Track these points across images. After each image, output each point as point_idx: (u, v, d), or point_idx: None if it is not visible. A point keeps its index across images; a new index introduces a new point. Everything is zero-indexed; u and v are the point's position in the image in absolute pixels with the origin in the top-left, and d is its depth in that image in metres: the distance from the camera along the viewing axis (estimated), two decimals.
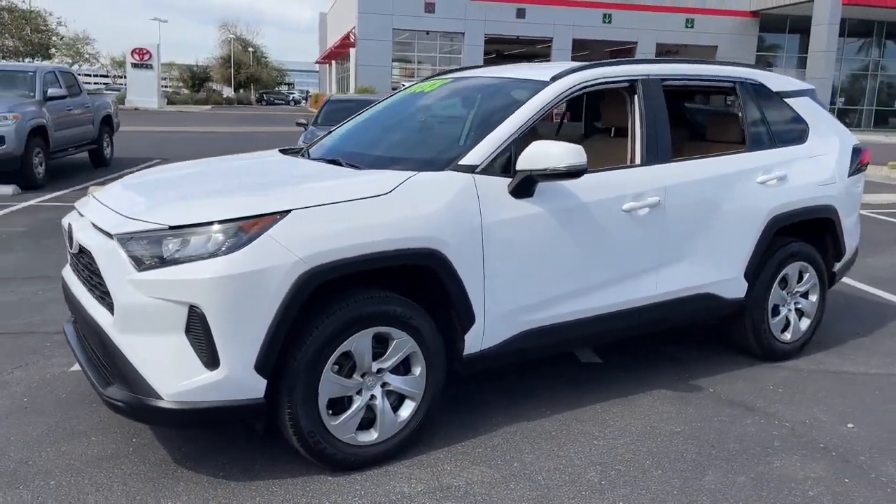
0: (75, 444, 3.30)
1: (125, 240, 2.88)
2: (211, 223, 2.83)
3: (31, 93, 12.02)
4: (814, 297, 4.70)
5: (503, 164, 3.41)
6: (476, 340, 3.36)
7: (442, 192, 3.22)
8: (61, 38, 45.61)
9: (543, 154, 3.29)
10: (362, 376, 3.10)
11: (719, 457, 3.36)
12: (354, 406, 3.09)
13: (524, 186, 3.38)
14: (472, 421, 3.64)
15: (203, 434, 3.39)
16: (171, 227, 2.84)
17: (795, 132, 4.64)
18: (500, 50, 46.14)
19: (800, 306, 4.66)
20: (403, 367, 3.22)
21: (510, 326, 3.45)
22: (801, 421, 3.77)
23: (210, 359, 2.76)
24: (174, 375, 2.78)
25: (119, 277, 2.84)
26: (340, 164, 3.65)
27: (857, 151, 4.90)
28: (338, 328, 2.95)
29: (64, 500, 2.85)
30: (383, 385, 3.17)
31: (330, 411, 3.03)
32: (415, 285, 3.25)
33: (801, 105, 4.70)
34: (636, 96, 3.98)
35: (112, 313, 2.88)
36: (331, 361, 2.97)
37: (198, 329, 2.75)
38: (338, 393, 3.03)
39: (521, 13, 40.14)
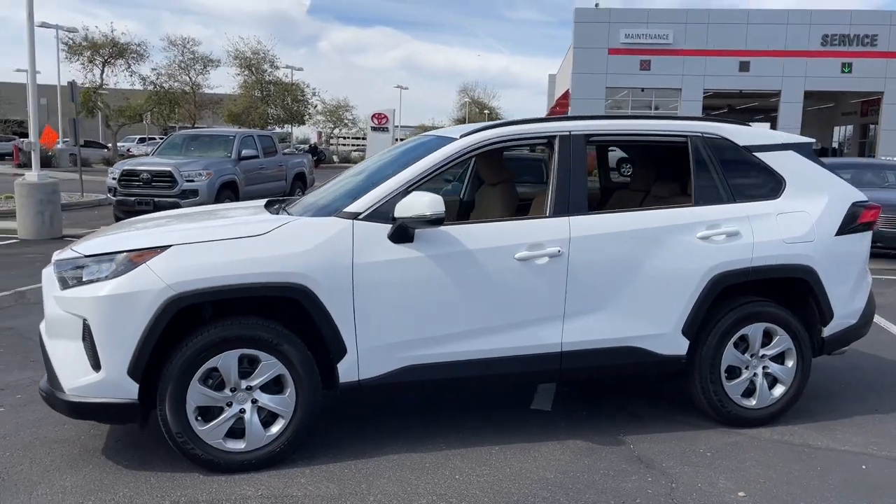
0: (49, 427, 4.15)
1: (58, 264, 3.69)
2: (111, 253, 3.56)
3: (229, 153, 14.12)
4: (790, 363, 4.39)
5: (388, 212, 3.78)
6: (351, 370, 3.73)
7: (315, 235, 3.69)
8: (315, 107, 51.45)
9: (415, 203, 3.64)
10: (232, 391, 3.61)
11: (562, 500, 3.39)
12: (222, 416, 3.61)
13: (401, 232, 3.73)
14: (361, 445, 3.98)
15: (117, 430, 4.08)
16: (86, 256, 3.61)
17: (765, 187, 4.44)
18: (727, 104, 44.40)
19: (770, 371, 4.38)
20: (276, 387, 3.68)
21: (389, 361, 3.77)
22: (691, 484, 3.62)
23: (95, 363, 3.45)
24: (72, 374, 3.50)
25: (49, 293, 3.65)
26: (288, 214, 4.20)
27: (856, 208, 4.53)
28: (204, 346, 3.51)
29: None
30: (254, 401, 3.65)
31: (199, 417, 3.58)
32: (294, 316, 3.71)
33: (777, 159, 4.49)
34: (553, 152, 4.14)
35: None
36: (198, 374, 3.53)
37: (88, 338, 3.46)
38: (205, 402, 3.57)
39: (744, 66, 38.50)
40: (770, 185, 4.45)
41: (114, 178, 13.11)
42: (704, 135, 4.41)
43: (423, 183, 3.93)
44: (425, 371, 3.84)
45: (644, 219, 4.17)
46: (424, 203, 3.64)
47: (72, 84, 18.33)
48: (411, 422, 4.35)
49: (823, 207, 4.46)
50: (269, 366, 3.62)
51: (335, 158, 53.50)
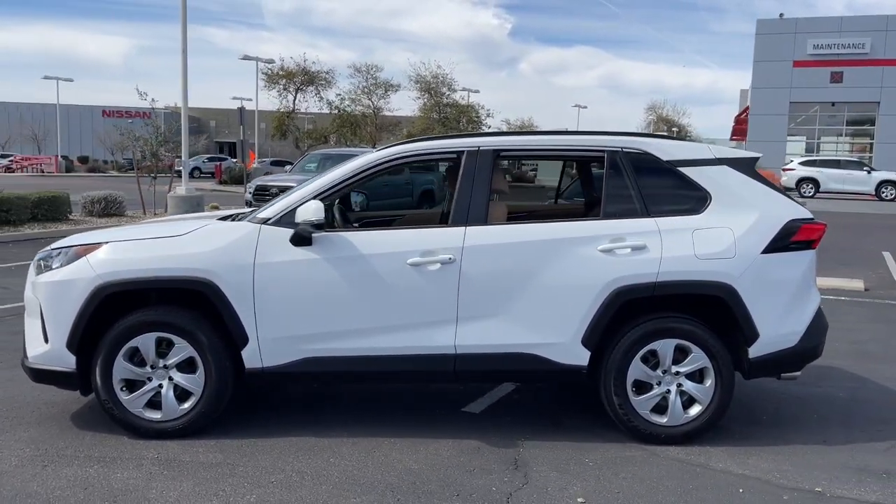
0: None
1: (39, 255, 4.53)
2: (67, 247, 4.34)
3: None
4: (707, 382, 4.28)
5: (293, 218, 4.25)
6: (254, 358, 4.23)
7: (225, 237, 4.24)
8: (489, 127, 52.77)
9: (306, 210, 4.09)
10: (152, 368, 4.24)
11: (403, 489, 3.65)
12: (143, 389, 4.24)
13: (299, 236, 4.18)
14: (271, 427, 4.45)
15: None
16: (53, 249, 4.42)
17: (685, 202, 4.38)
18: None
19: (685, 389, 4.30)
20: (189, 368, 4.26)
21: (290, 352, 4.23)
22: (541, 487, 3.72)
23: (45, 337, 4.23)
24: (32, 345, 4.31)
25: (28, 279, 4.50)
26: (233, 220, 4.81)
27: (793, 224, 4.33)
28: (127, 327, 4.18)
29: None
30: (170, 379, 4.26)
31: (124, 388, 4.24)
32: (207, 307, 4.28)
33: (704, 175, 4.40)
34: (459, 166, 4.40)
35: None
36: (122, 351, 4.19)
37: (41, 315, 4.25)
38: (129, 376, 4.23)
39: None
40: (692, 200, 4.39)
41: (250, 193, 14.62)
42: (625, 149, 4.44)
43: (331, 193, 4.36)
44: (325, 363, 4.24)
45: (542, 231, 4.30)
46: (310, 210, 4.08)
47: (240, 110, 20.57)
48: (335, 410, 4.76)
49: (751, 224, 4.31)
50: (182, 348, 4.21)
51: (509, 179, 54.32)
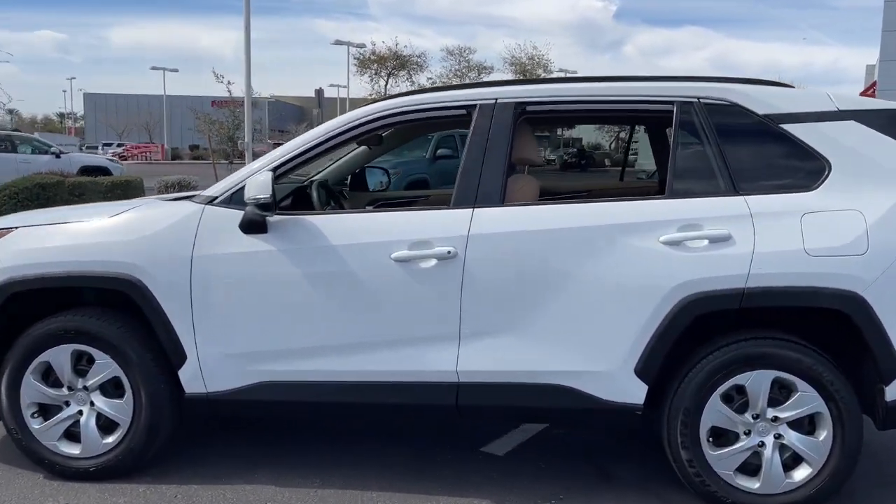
0: None
1: None
2: None
3: (425, 153, 14.20)
4: (822, 433, 2.96)
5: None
6: (195, 381, 3.21)
7: (156, 221, 3.24)
8: None
9: (253, 185, 3.03)
10: (70, 389, 3.29)
11: None
12: (59, 416, 3.30)
13: (249, 220, 3.12)
14: (216, 466, 3.42)
15: None
16: None
17: (791, 174, 3.04)
18: None
19: (786, 442, 2.99)
20: (117, 391, 3.28)
21: (241, 374, 3.19)
22: None
23: None
24: None
25: None
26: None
27: None
28: (37, 337, 3.24)
29: None
30: (91, 404, 3.30)
31: (35, 414, 3.31)
32: (139, 313, 3.29)
33: (821, 134, 3.05)
34: (470, 126, 3.22)
35: None
36: (31, 367, 3.26)
37: None
38: (40, 399, 3.30)
39: None
40: (802, 171, 3.05)
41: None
42: (703, 99, 3.14)
43: (290, 163, 3.27)
44: (285, 390, 3.18)
45: (580, 214, 3.07)
46: (256, 185, 3.01)
47: (318, 91, 19.90)
48: (306, 447, 3.69)
49: (891, 206, 2.94)
50: (104, 366, 3.24)
51: (607, 162, 51.98)
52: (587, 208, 3.11)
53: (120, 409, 3.27)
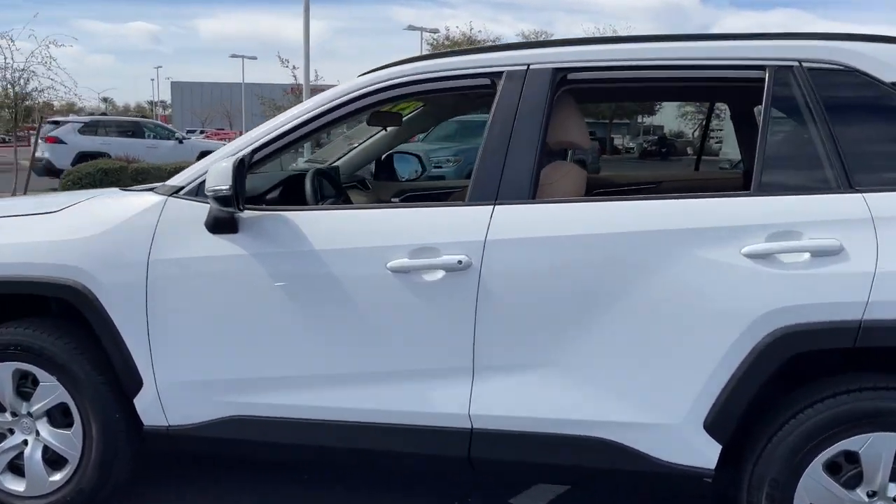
0: None
1: None
2: None
3: None
4: None
5: None
6: (154, 411, 2.63)
7: (109, 216, 2.66)
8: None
9: (213, 175, 2.39)
10: (14, 415, 2.76)
11: None
12: (1, 445, 2.77)
13: (215, 216, 2.51)
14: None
15: None
16: None
17: None
18: None
19: None
20: (64, 420, 2.73)
21: (206, 406, 2.59)
22: None
23: None
24: None
25: None
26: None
27: None
28: None
29: None
30: (37, 433, 2.76)
31: None
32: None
33: None
34: (493, 101, 2.51)
35: None
36: None
37: None
38: None
39: None
40: None
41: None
42: (805, 64, 2.34)
43: (279, 146, 2.62)
44: (259, 428, 2.56)
45: (636, 214, 2.32)
46: (214, 174, 2.37)
47: None
48: (289, 493, 3.06)
49: None
50: (49, 389, 2.69)
51: (689, 150, 49.84)
52: (647, 208, 2.35)
53: (67, 441, 2.71)
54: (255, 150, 2.59)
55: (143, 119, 24.38)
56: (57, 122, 18.59)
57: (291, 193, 3.07)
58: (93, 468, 2.69)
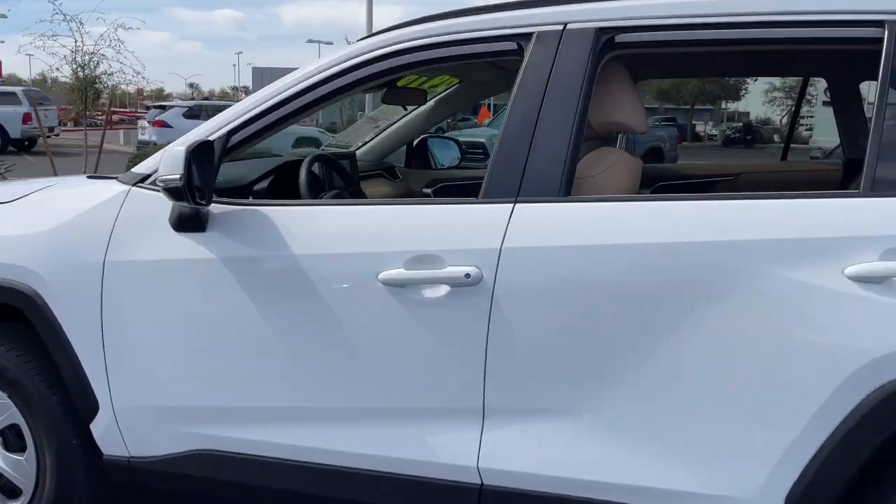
0: None
1: None
2: None
3: None
4: None
5: None
6: (113, 440, 2.23)
7: (61, 209, 2.26)
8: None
9: (165, 160, 1.94)
10: None
11: None
12: None
13: (180, 216, 2.07)
14: None
15: None
16: None
17: None
18: None
19: None
20: (17, 443, 2.36)
21: (170, 436, 2.17)
22: None
23: None
24: None
25: None
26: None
27: None
28: None
29: None
30: None
31: None
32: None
33: None
34: (519, 69, 1.98)
35: None
36: None
37: None
38: None
39: None
40: None
41: None
42: None
43: (259, 126, 2.15)
44: (229, 466, 2.13)
45: (703, 220, 1.75)
46: (167, 160, 1.92)
47: None
48: None
49: None
50: (0, 408, 2.32)
51: (776, 138, 47.43)
52: (717, 210, 1.77)
53: (20, 468, 2.34)
54: (231, 132, 2.14)
55: None
56: (163, 107, 19.11)
57: (288, 184, 2.61)
58: (49, 502, 2.31)
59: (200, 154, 1.92)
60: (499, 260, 1.82)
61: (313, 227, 2.00)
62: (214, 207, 2.07)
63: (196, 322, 2.08)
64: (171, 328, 2.10)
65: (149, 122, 16.85)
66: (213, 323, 2.06)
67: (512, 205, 1.86)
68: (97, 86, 13.58)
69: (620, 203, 1.87)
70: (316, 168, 2.62)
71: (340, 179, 2.70)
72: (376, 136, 3.46)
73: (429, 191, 3.40)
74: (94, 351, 2.16)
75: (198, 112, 19.18)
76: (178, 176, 1.86)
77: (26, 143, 19.72)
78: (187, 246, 2.07)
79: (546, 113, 1.89)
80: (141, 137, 16.79)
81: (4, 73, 30.10)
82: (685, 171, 3.46)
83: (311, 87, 2.10)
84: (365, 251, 1.92)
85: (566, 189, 1.86)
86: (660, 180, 3.17)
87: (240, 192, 2.41)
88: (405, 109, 3.26)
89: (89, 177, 2.63)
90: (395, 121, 3.46)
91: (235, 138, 2.15)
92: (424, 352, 1.89)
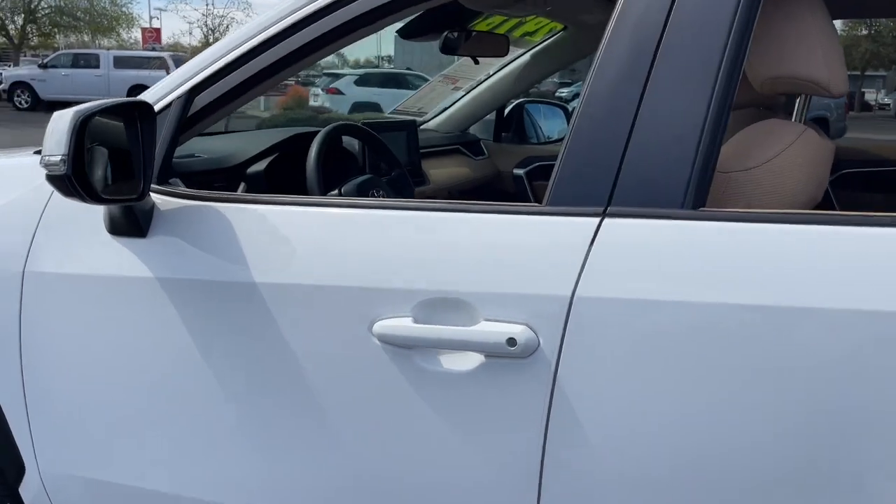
0: None
1: None
2: None
3: None
4: None
5: None
6: None
7: None
8: None
9: (47, 136, 1.28)
10: None
11: None
12: None
13: (113, 219, 1.41)
14: None
15: None
16: None
17: None
18: None
19: None
20: None
21: None
22: None
23: None
24: None
25: None
26: None
27: None
28: None
29: None
30: None
31: None
32: None
33: None
34: (611, 16, 1.15)
35: None
36: None
37: None
38: None
39: None
40: None
41: None
42: None
43: (233, 82, 1.44)
44: None
45: None
46: (49, 133, 1.24)
47: None
48: None
49: None
50: None
51: None
52: None
53: None
54: (195, 90, 1.45)
55: (406, 71, 24.97)
56: (336, 75, 19.59)
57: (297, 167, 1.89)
58: None
59: (84, 125, 1.22)
60: (568, 317, 1.03)
61: (287, 239, 1.29)
62: (162, 202, 1.40)
63: (126, 371, 1.43)
64: (99, 374, 1.47)
65: (322, 89, 17.42)
66: (151, 361, 1.41)
67: (598, 219, 1.05)
68: None
69: (803, 224, 1.02)
70: (350, 144, 1.90)
71: (384, 159, 1.96)
72: (456, 100, 2.70)
73: (521, 172, 2.62)
74: (13, 394, 1.56)
75: (367, 80, 19.41)
76: (58, 158, 1.19)
77: None
78: (118, 257, 1.41)
79: (662, 65, 1.06)
80: (313, 104, 17.39)
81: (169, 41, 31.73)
82: (876, 153, 2.46)
83: (299, 25, 1.37)
84: (352, 284, 1.18)
85: (699, 194, 1.03)
86: (842, 166, 2.22)
87: (228, 177, 1.73)
88: (476, 63, 2.46)
89: (36, 152, 2.03)
90: (480, 80, 2.68)
91: (202, 100, 1.46)
92: (438, 460, 1.14)
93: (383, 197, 1.75)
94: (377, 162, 1.94)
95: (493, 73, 2.65)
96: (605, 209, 1.06)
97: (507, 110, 2.80)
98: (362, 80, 18.98)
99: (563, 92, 19.71)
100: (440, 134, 2.65)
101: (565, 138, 1.11)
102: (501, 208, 1.14)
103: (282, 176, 1.76)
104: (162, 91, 1.46)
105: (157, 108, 1.44)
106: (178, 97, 1.43)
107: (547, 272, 1.05)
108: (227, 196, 1.41)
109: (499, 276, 1.08)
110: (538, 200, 1.24)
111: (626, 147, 1.06)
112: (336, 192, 1.72)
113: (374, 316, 1.15)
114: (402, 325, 1.13)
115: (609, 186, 1.06)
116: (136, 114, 1.32)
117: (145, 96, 1.47)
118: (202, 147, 1.75)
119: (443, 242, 1.14)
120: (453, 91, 2.71)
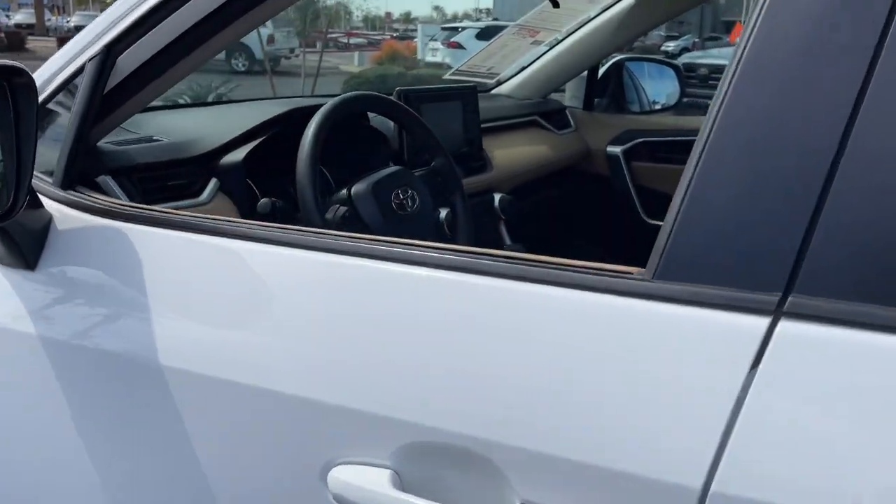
0: None
1: None
2: None
3: None
4: None
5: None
6: None
7: None
8: None
9: None
10: None
11: None
12: None
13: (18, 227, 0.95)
14: None
15: None
16: None
17: None
18: None
19: None
20: None
21: None
22: None
23: None
24: None
25: None
26: None
27: None
28: None
29: None
30: None
31: None
32: None
33: None
34: None
35: None
36: None
37: None
38: None
39: None
40: None
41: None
42: None
43: (165, 37, 0.94)
44: None
45: None
46: None
47: None
48: None
49: None
50: None
51: None
52: None
53: None
54: (113, 45, 0.95)
55: None
56: (456, 29, 19.49)
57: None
58: None
59: None
60: None
61: (224, 296, 0.78)
62: (61, 217, 0.92)
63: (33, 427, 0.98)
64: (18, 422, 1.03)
65: (442, 43, 17.22)
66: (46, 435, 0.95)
67: (769, 320, 0.50)
68: (316, 6, 13.33)
69: None
70: (382, 124, 1.38)
71: (418, 144, 1.42)
72: (536, 58, 2.12)
73: (616, 150, 2.03)
74: None
75: (489, 33, 19.00)
76: None
77: (270, 62, 20.73)
78: (6, 295, 0.95)
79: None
80: (431, 59, 17.22)
81: None
82: None
83: None
84: (307, 396, 0.67)
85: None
86: None
87: (195, 170, 1.24)
88: (556, 6, 1.87)
89: None
90: (569, 31, 2.08)
91: (130, 59, 0.96)
92: None
93: (411, 200, 1.22)
94: (414, 147, 1.42)
95: (584, 22, 2.05)
96: (783, 302, 0.50)
97: (601, 70, 2.20)
98: (484, 34, 18.01)
99: (670, 46, 18.43)
100: (514, 101, 2.09)
101: (686, 177, 0.55)
102: (567, 272, 0.59)
103: (271, 168, 1.26)
104: (68, 52, 0.98)
105: (62, 76, 0.96)
106: (92, 57, 0.94)
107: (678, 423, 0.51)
108: (150, 213, 0.91)
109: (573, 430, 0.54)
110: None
111: (830, 180, 0.49)
112: (344, 192, 1.20)
113: (332, 456, 0.64)
114: (374, 480, 0.61)
115: (789, 259, 0.50)
116: (5, 86, 0.84)
117: (47, 64, 0.99)
118: (166, 126, 1.26)
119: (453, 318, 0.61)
120: (532, 46, 2.13)
